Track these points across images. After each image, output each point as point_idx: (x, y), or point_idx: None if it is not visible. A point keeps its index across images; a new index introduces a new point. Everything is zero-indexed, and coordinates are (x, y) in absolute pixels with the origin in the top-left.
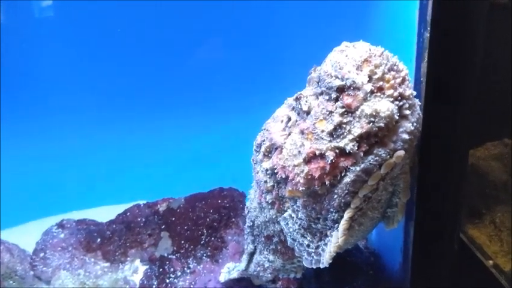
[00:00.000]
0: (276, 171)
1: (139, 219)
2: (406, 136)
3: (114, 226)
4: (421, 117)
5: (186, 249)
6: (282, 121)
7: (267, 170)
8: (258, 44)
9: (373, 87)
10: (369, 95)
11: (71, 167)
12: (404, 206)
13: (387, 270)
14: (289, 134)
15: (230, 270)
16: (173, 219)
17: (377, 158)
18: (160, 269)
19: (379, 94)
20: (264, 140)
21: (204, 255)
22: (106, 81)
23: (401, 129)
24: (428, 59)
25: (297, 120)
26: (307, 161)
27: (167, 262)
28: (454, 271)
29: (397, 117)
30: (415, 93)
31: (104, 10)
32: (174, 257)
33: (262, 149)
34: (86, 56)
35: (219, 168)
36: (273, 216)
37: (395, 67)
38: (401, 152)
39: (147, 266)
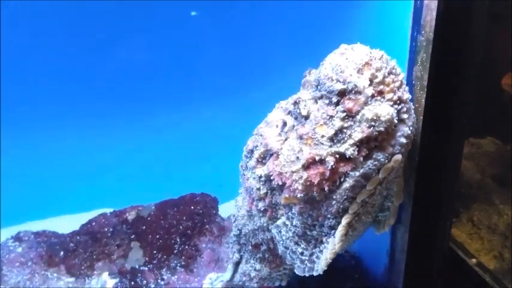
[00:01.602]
0: (272, 177)
1: (106, 229)
2: (403, 140)
3: (78, 237)
4: (415, 121)
5: (158, 259)
6: (277, 126)
7: (260, 177)
8: (240, 46)
9: (373, 91)
10: (369, 99)
11: (26, 173)
12: (397, 209)
13: (372, 274)
14: (286, 139)
15: (213, 281)
16: (144, 228)
17: (376, 162)
18: (132, 282)
19: (379, 98)
20: (256, 146)
21: (178, 265)
22: (66, 86)
23: (399, 133)
24: (430, 65)
25: (294, 125)
26: (306, 167)
27: (139, 274)
28: (445, 271)
29: (396, 121)
30: (411, 96)
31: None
32: (146, 268)
33: (256, 155)
34: (45, 59)
35: (188, 173)
36: (264, 224)
37: (394, 70)
38: (399, 156)
39: (117, 280)
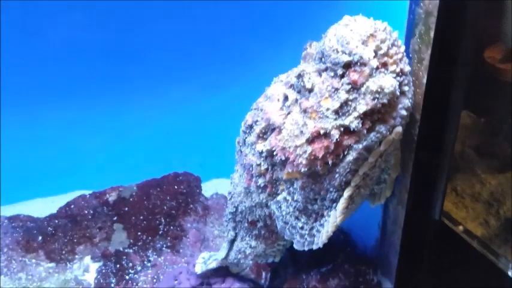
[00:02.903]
0: (274, 153)
1: (86, 212)
2: (404, 112)
3: (56, 221)
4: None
5: (143, 241)
6: (278, 100)
7: (261, 153)
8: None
9: (378, 63)
10: (374, 70)
11: None
12: (394, 181)
13: (362, 247)
14: (289, 114)
15: (206, 260)
16: (126, 209)
17: (378, 134)
18: (117, 265)
19: (383, 70)
20: (256, 121)
21: (164, 246)
22: (39, 67)
23: (400, 106)
24: (434, 39)
25: (297, 99)
26: (311, 141)
27: (124, 257)
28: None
29: (398, 94)
30: (410, 69)
31: None
32: (131, 250)
33: (257, 131)
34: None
35: (167, 153)
36: (263, 201)
37: (396, 42)
38: (399, 128)
39: (101, 263)
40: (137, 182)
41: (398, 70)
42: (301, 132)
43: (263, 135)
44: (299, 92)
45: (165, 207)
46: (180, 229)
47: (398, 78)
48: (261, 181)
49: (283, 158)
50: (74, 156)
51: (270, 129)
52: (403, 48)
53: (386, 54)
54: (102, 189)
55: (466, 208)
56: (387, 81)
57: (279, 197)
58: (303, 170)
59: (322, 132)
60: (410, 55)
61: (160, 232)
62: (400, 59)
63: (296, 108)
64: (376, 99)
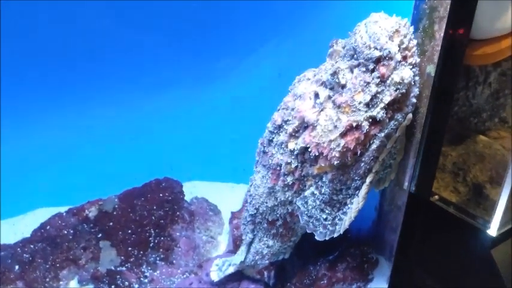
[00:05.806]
0: (309, 149)
1: (65, 232)
2: (415, 100)
3: (32, 246)
4: None
5: (135, 256)
6: (310, 98)
7: (292, 151)
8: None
9: (401, 57)
10: (398, 63)
11: None
12: (397, 165)
13: (359, 230)
14: (322, 110)
15: (220, 266)
16: (111, 224)
17: (396, 122)
18: (112, 286)
19: (403, 62)
20: (287, 120)
21: (158, 258)
22: None
23: (412, 94)
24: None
25: (329, 96)
26: (344, 134)
27: (118, 276)
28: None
29: (413, 83)
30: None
31: None
32: (124, 268)
33: (289, 130)
34: None
35: (133, 157)
36: (289, 198)
37: (412, 36)
38: (411, 115)
39: (91, 286)
40: (108, 193)
41: (414, 62)
42: (335, 126)
43: (295, 134)
44: (331, 88)
45: (153, 218)
46: (171, 239)
47: (413, 69)
48: (289, 179)
49: (316, 154)
50: (26, 171)
51: (302, 127)
52: (415, 41)
53: (406, 48)
54: (79, 205)
55: (436, 179)
56: (407, 73)
57: (307, 193)
58: (335, 162)
59: (354, 124)
60: None
61: (151, 244)
62: (415, 52)
63: (329, 105)
64: (397, 90)
